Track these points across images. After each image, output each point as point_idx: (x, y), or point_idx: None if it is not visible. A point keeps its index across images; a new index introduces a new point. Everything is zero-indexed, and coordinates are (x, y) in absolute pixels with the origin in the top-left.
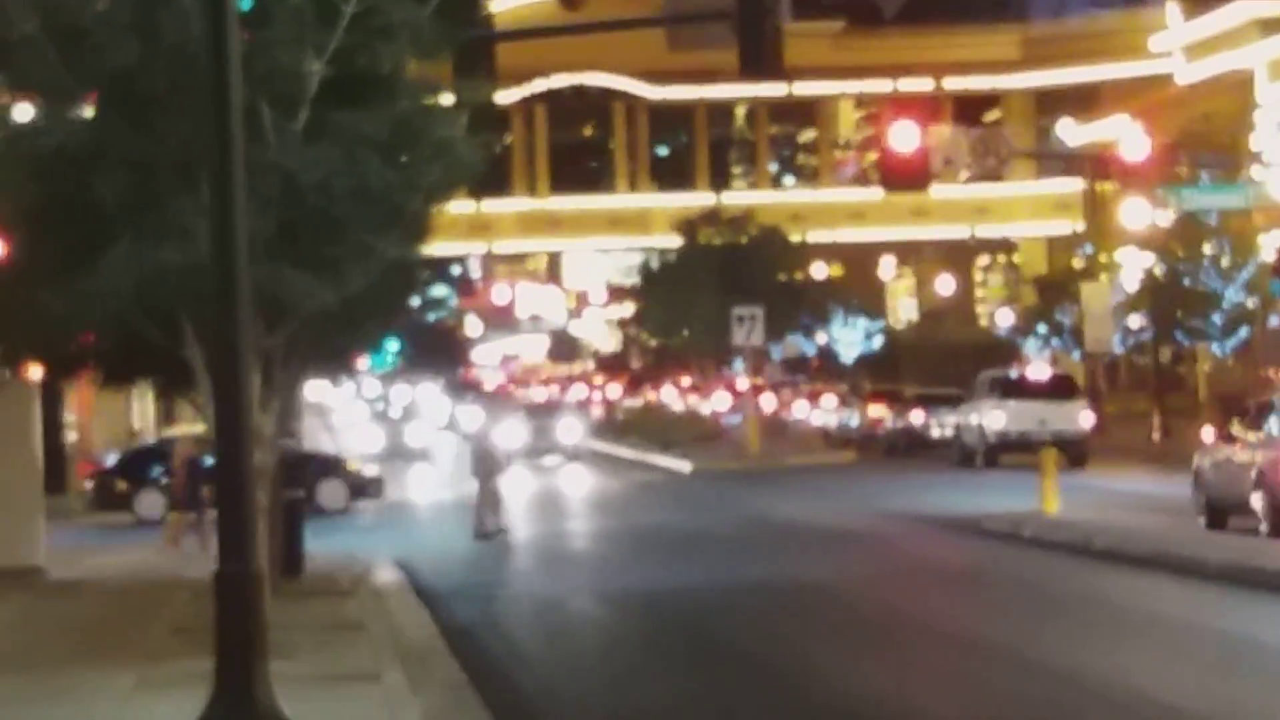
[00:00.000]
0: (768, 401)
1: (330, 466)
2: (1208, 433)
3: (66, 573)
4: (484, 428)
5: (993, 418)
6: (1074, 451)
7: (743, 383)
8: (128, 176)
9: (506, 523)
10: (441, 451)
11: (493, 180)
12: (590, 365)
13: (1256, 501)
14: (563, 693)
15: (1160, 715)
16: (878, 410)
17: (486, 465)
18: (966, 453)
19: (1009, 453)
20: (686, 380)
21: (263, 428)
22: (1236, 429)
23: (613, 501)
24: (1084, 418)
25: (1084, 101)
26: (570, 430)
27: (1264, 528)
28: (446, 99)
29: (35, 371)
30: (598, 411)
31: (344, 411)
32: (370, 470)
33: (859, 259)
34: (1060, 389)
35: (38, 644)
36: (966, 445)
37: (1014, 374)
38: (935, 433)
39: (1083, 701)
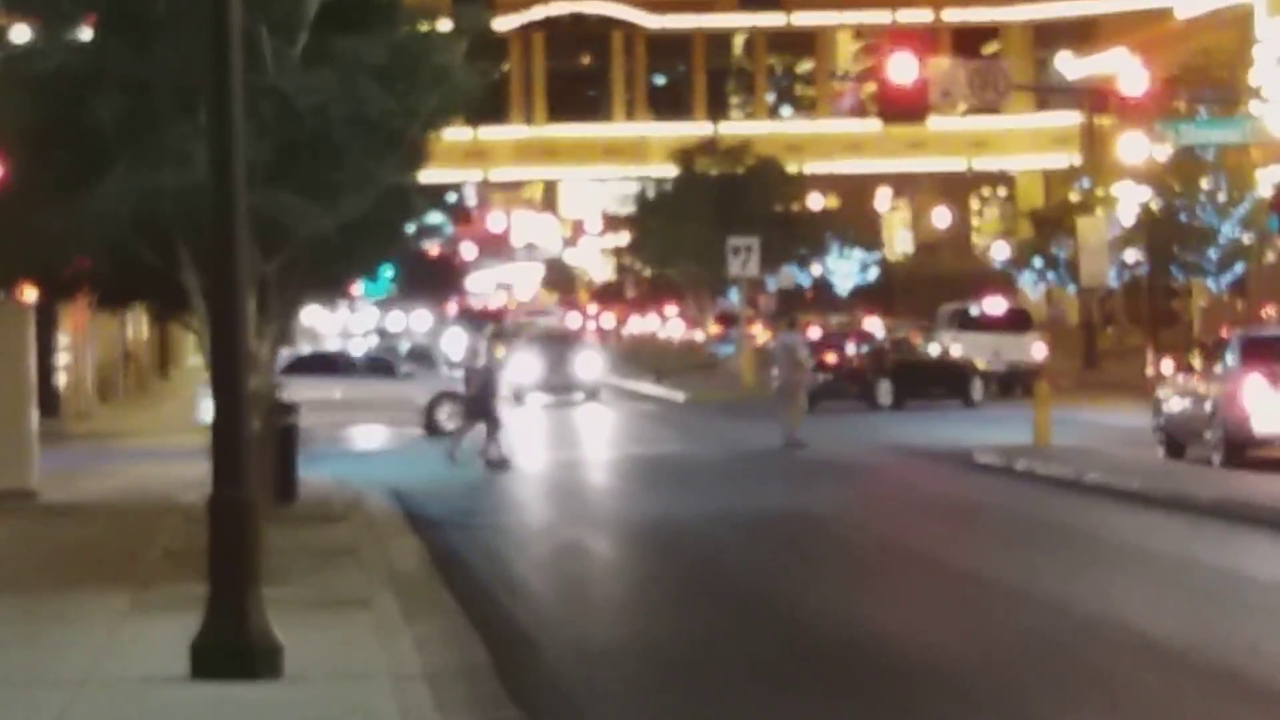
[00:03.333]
0: (759, 332)
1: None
2: (1167, 365)
3: (60, 496)
4: (492, 357)
5: (951, 349)
6: (1027, 381)
7: (734, 312)
8: (125, 100)
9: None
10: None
11: (490, 108)
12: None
13: (1210, 434)
14: (555, 620)
15: (1148, 646)
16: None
17: (489, 393)
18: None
19: None
20: (674, 310)
21: (258, 353)
22: (1195, 362)
23: (608, 431)
24: (1036, 349)
25: (1083, 35)
26: (589, 365)
27: (1217, 459)
28: (445, 26)
29: (30, 293)
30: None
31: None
32: None
33: (855, 190)
34: (1015, 322)
35: (30, 567)
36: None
37: (972, 308)
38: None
39: (1074, 631)
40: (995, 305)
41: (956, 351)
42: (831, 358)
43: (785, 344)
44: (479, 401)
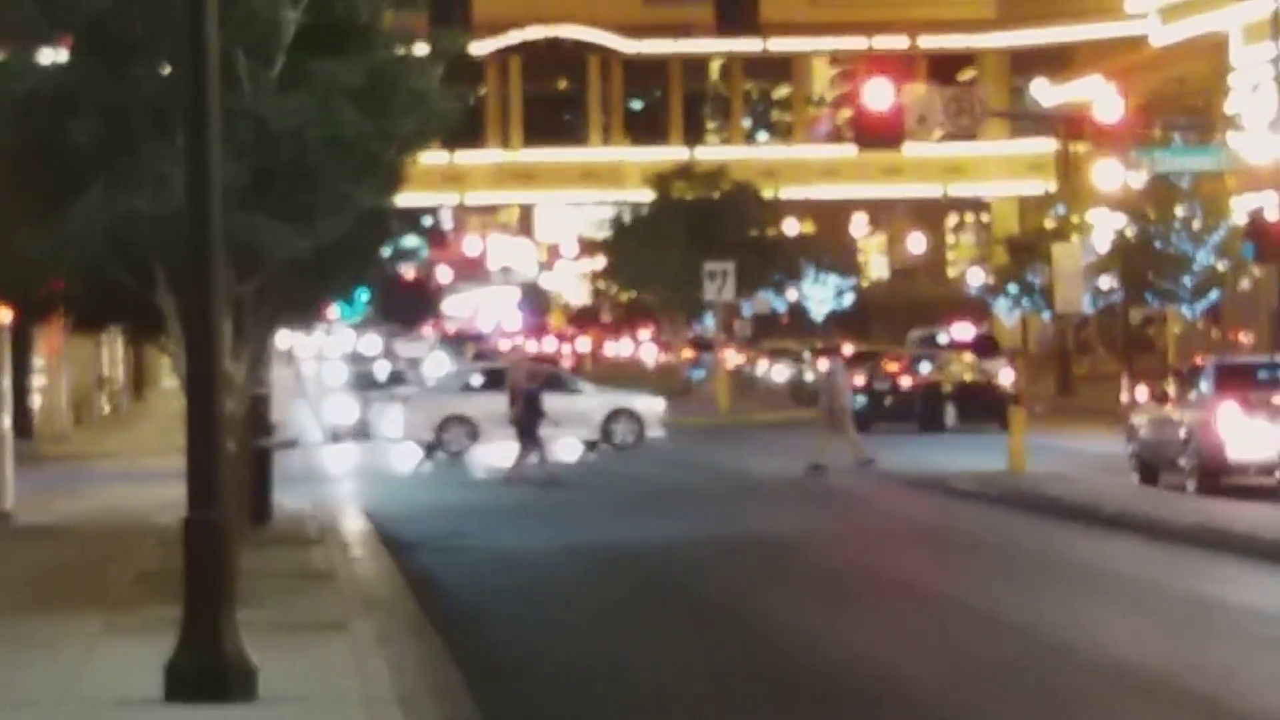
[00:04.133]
0: (733, 357)
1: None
2: (1141, 392)
3: (34, 518)
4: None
5: (999, 375)
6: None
7: (707, 337)
8: (102, 122)
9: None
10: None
11: (466, 131)
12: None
13: (1184, 461)
14: (529, 644)
15: (1118, 672)
16: (825, 366)
17: (534, 413)
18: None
19: None
20: (647, 334)
21: (233, 375)
22: (1170, 389)
23: (583, 455)
24: (1004, 374)
25: (1058, 62)
26: None
27: (1191, 485)
28: (422, 49)
29: (5, 315)
30: (567, 365)
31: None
32: None
33: (831, 216)
34: (982, 347)
35: (4, 589)
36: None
37: (940, 334)
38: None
39: (1041, 657)
40: (963, 331)
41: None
42: (895, 379)
43: (830, 371)
44: (524, 422)
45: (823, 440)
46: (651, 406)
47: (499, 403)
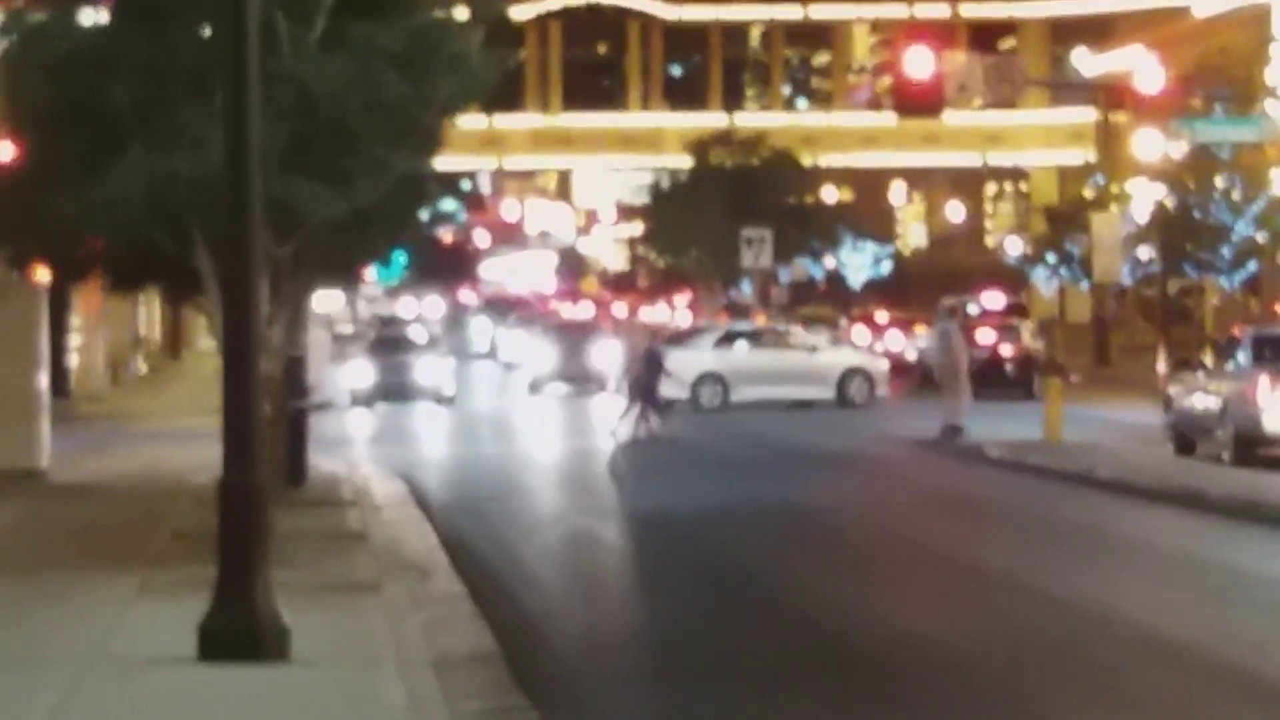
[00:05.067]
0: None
1: None
2: (1178, 362)
3: (70, 476)
4: (639, 343)
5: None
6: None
7: (741, 303)
8: (141, 83)
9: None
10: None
11: (505, 96)
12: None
13: (1220, 431)
14: (563, 607)
15: (1152, 642)
16: (858, 334)
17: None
18: (926, 374)
19: None
20: (683, 300)
21: (270, 337)
22: (1207, 359)
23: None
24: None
25: (1099, 31)
26: (604, 355)
27: (1227, 456)
28: (462, 13)
29: (43, 275)
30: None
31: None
32: None
33: (870, 184)
34: (1011, 314)
35: (40, 547)
36: (926, 366)
37: (969, 302)
38: (910, 355)
39: (1076, 627)
40: (993, 300)
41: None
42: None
43: (943, 332)
44: (643, 382)
45: (951, 401)
46: (879, 366)
47: (748, 359)
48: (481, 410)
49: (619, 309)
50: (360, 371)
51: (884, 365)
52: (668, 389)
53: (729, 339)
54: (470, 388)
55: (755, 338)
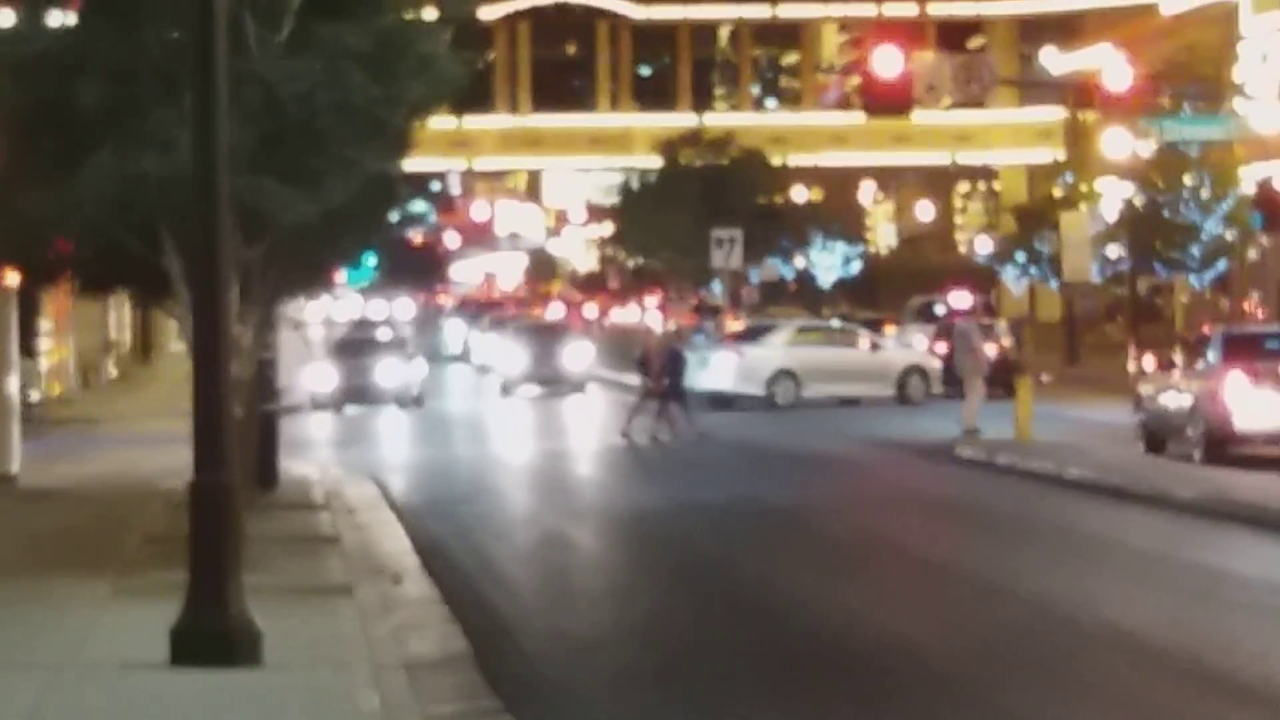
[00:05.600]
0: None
1: None
2: (1148, 361)
3: (40, 480)
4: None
5: (917, 340)
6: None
7: (711, 303)
8: (110, 85)
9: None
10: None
11: (474, 97)
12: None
13: (1191, 430)
14: (535, 609)
15: (1122, 640)
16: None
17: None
18: None
19: None
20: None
21: (240, 339)
22: (1176, 359)
23: (589, 422)
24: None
25: (1067, 30)
26: (577, 357)
27: (1198, 455)
28: (430, 14)
29: (12, 278)
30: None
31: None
32: None
33: (839, 183)
34: (975, 314)
35: (10, 552)
36: None
37: (937, 302)
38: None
39: (1046, 626)
40: (960, 299)
41: (921, 344)
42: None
43: (961, 331)
44: (672, 381)
45: (970, 401)
46: (934, 365)
47: (818, 357)
48: (453, 412)
49: (589, 310)
50: (323, 374)
51: (938, 364)
52: (741, 385)
53: (801, 335)
54: (443, 390)
55: (825, 335)
